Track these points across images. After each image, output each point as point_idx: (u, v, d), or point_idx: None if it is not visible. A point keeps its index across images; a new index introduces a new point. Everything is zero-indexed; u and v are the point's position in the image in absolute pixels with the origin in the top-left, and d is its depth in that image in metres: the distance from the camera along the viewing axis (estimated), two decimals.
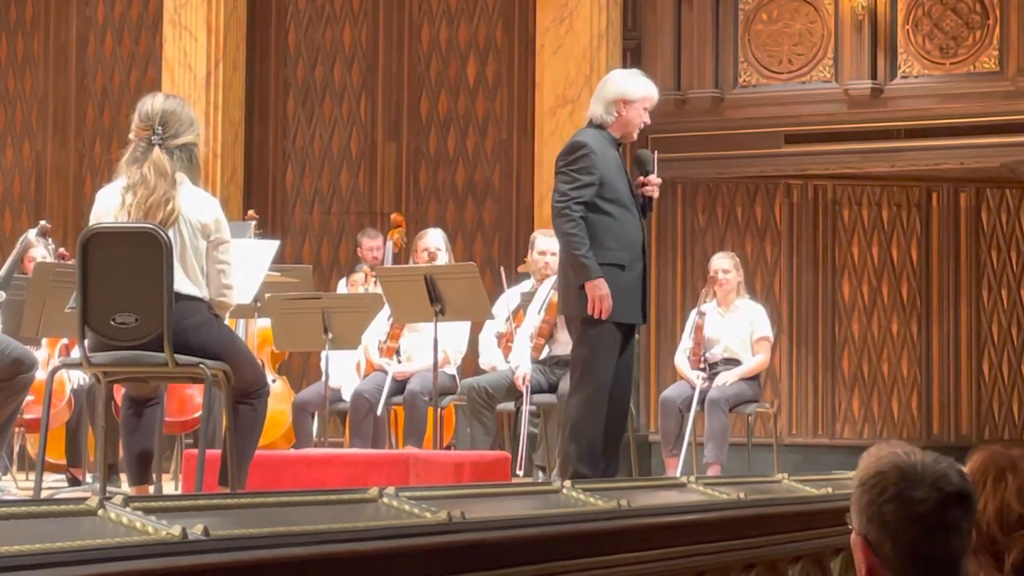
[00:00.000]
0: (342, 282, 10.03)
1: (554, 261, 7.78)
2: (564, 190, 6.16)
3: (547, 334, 8.15)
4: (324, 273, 11.28)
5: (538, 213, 10.53)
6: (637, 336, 7.73)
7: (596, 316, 6.10)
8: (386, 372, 8.59)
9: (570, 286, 6.23)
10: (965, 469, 2.43)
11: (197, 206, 5.27)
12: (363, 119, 11.56)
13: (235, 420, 5.33)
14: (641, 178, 6.35)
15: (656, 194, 6.37)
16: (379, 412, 8.44)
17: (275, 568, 2.55)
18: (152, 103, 5.32)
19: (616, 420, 6.27)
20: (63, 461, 8.19)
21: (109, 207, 5.29)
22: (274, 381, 8.90)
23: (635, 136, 6.43)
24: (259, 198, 11.45)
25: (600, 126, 6.31)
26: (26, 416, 7.39)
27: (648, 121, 6.39)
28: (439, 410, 8.22)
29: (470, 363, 9.03)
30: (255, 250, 6.73)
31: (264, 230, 9.59)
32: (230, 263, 5.35)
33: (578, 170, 6.15)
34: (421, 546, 2.91)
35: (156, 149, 5.22)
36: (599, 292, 6.09)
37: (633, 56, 10.78)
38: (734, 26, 10.64)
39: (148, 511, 2.55)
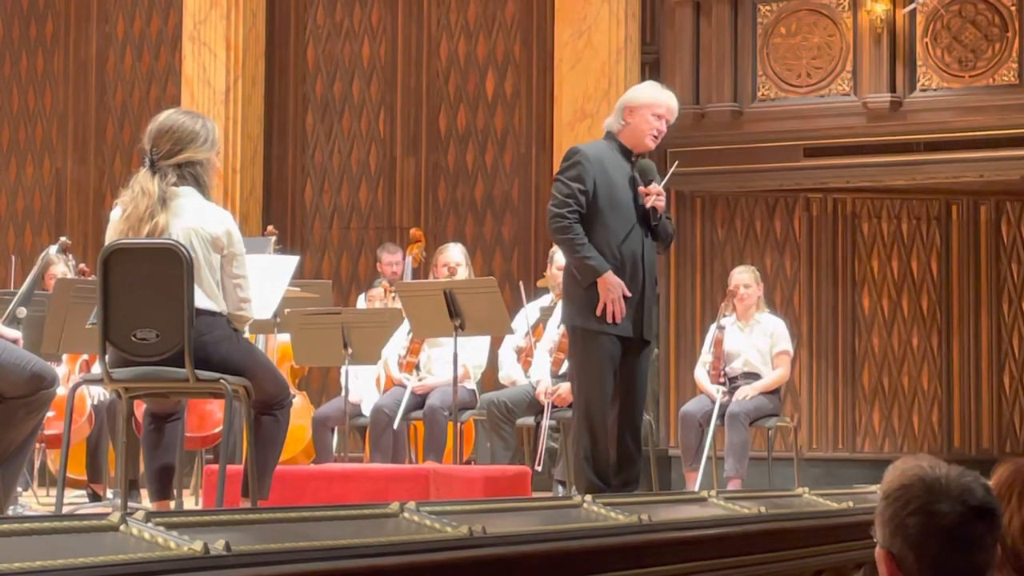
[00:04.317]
0: (361, 297, 10.04)
1: None
2: (556, 198, 6.14)
3: (567, 349, 8.15)
4: (343, 288, 11.29)
5: None
6: (656, 351, 7.73)
7: (609, 318, 6.06)
8: (406, 387, 8.60)
9: (570, 296, 6.20)
10: (990, 483, 2.41)
11: (207, 219, 5.26)
12: (382, 134, 11.58)
13: (258, 431, 5.34)
14: (641, 188, 6.27)
15: (654, 203, 6.17)
16: (395, 426, 8.44)
17: None
18: (153, 122, 5.33)
19: (632, 436, 6.21)
20: (84, 477, 8.21)
21: (111, 226, 5.32)
22: (294, 396, 8.91)
23: (650, 145, 6.29)
24: (278, 213, 11.47)
25: (613, 136, 6.30)
26: (47, 432, 7.41)
27: (662, 129, 6.27)
28: (459, 425, 8.22)
29: (489, 378, 9.03)
30: (275, 265, 6.73)
31: (283, 245, 9.60)
32: (245, 276, 5.35)
33: (569, 177, 6.13)
34: (442, 561, 2.91)
35: (144, 169, 5.23)
36: (611, 293, 6.05)
37: (652, 70, 10.79)
38: (753, 39, 10.64)
39: (170, 526, 2.56)
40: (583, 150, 6.23)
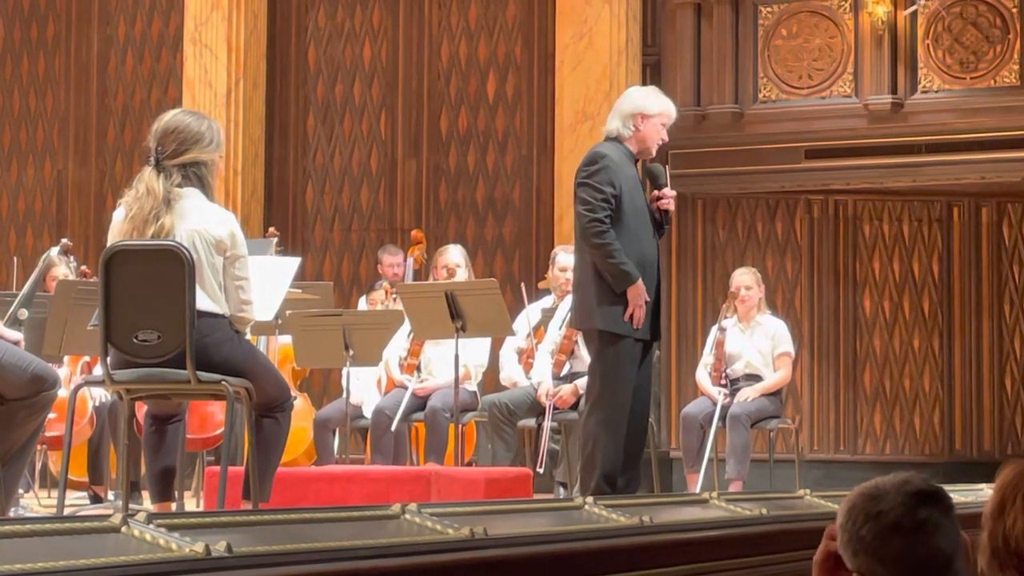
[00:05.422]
0: (362, 299, 10.05)
1: None
2: (589, 203, 6.14)
3: (568, 350, 8.15)
4: (344, 290, 11.29)
5: (558, 229, 10.53)
6: (658, 352, 7.73)
7: (635, 324, 6.07)
8: (407, 388, 8.59)
9: (597, 299, 6.20)
10: (994, 484, 2.40)
11: (210, 221, 5.25)
12: (383, 136, 11.58)
13: (258, 434, 5.34)
14: (655, 192, 6.32)
15: (672, 207, 6.34)
16: (394, 427, 8.43)
17: None
18: (159, 121, 5.32)
19: (635, 436, 6.24)
20: (85, 479, 8.21)
21: (115, 227, 5.31)
22: (295, 398, 8.91)
23: (654, 152, 6.40)
24: (280, 215, 11.47)
25: (617, 140, 6.31)
26: (48, 434, 7.41)
27: (666, 138, 6.40)
28: (460, 426, 8.22)
29: (491, 379, 9.03)
30: (276, 267, 6.73)
31: (285, 247, 9.60)
32: (248, 278, 5.35)
33: (600, 181, 6.13)
34: (443, 562, 2.91)
35: (150, 168, 5.22)
36: (641, 299, 6.08)
37: (653, 72, 10.79)
38: (754, 41, 10.64)
39: (171, 528, 2.56)
40: (608, 153, 6.24)
